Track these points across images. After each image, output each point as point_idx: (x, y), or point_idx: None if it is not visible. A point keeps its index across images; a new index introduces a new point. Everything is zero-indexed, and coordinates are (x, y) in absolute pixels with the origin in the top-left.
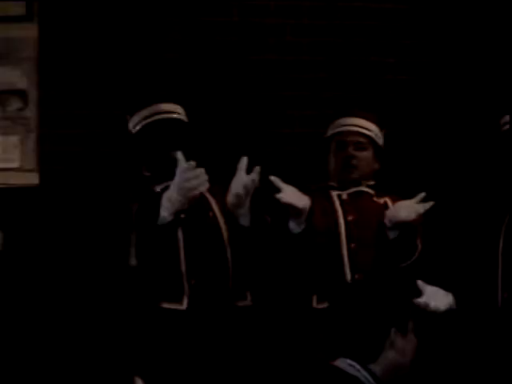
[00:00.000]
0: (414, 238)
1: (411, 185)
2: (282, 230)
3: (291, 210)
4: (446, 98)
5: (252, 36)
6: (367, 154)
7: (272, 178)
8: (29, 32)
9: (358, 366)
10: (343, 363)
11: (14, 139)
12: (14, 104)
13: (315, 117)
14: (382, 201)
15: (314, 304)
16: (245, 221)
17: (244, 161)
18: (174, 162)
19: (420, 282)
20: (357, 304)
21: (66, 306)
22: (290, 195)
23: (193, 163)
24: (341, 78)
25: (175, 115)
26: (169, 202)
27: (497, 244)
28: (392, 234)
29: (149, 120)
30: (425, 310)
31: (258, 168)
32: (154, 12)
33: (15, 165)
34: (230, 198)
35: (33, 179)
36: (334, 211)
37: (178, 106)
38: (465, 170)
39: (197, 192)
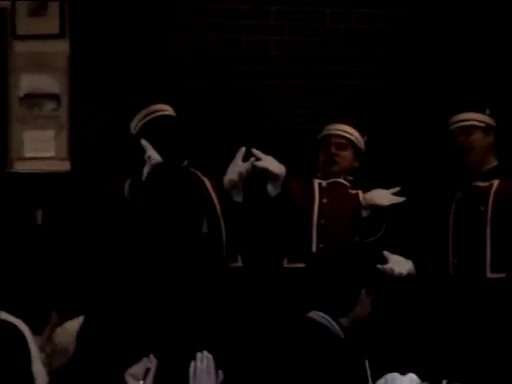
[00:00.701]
0: (381, 220)
1: (384, 179)
2: (260, 193)
3: (269, 174)
4: (411, 108)
5: (241, 50)
6: (347, 153)
7: (253, 150)
8: (62, 47)
9: (329, 318)
10: (316, 315)
11: (49, 134)
12: (49, 105)
13: (295, 116)
14: (354, 192)
15: (285, 264)
16: (238, 198)
17: (242, 150)
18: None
19: (386, 252)
20: (320, 268)
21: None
22: (268, 163)
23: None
24: (316, 85)
25: (166, 112)
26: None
27: (447, 221)
28: (364, 213)
29: (145, 119)
30: (391, 274)
31: (252, 159)
32: (162, 27)
33: (51, 154)
34: (226, 181)
35: (65, 166)
36: (312, 194)
37: (168, 105)
38: (423, 164)
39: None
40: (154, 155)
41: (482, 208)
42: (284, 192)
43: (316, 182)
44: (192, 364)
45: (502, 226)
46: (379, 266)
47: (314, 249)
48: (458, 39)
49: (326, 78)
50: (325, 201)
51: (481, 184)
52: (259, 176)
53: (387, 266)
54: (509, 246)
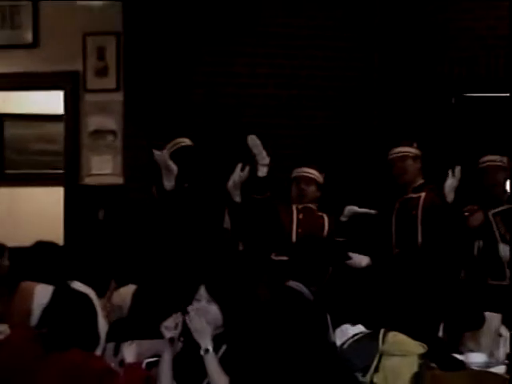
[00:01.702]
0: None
1: (343, 199)
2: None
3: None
4: (359, 142)
5: (240, 99)
6: (312, 188)
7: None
8: (118, 97)
9: (303, 286)
10: (293, 284)
11: (108, 158)
12: (109, 138)
13: (278, 145)
14: (320, 214)
15: (273, 257)
16: (237, 199)
17: (239, 165)
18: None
19: (350, 253)
20: (297, 259)
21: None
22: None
23: None
24: (293, 124)
25: (186, 143)
26: None
27: (391, 222)
28: (343, 218)
29: (174, 147)
30: (355, 266)
31: (247, 168)
32: (187, 85)
33: (109, 172)
34: (229, 186)
35: (119, 180)
36: (292, 212)
37: (186, 138)
38: (371, 183)
39: None
40: (173, 167)
41: (414, 212)
42: (270, 197)
43: (293, 206)
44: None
45: (428, 225)
46: (347, 261)
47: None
48: (394, 94)
49: (300, 119)
50: (300, 217)
51: (413, 196)
52: (251, 184)
53: (352, 261)
54: (434, 238)
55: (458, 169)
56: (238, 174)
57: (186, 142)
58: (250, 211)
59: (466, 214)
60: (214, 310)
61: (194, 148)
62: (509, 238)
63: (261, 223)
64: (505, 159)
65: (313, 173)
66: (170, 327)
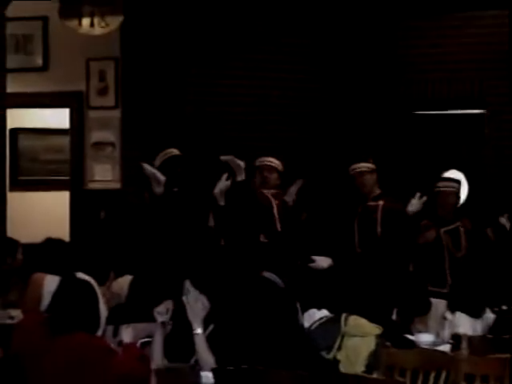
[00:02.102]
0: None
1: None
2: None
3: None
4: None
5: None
6: (274, 175)
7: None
8: (117, 114)
9: (275, 276)
10: (267, 274)
11: (108, 167)
12: (109, 149)
13: (257, 151)
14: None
15: (262, 239)
16: (222, 203)
17: (225, 175)
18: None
19: (313, 256)
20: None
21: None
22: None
23: None
24: (270, 136)
25: (174, 152)
26: None
27: (354, 226)
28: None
29: (164, 157)
30: (317, 268)
31: (229, 180)
32: (179, 101)
33: (108, 178)
34: (215, 192)
35: (118, 186)
36: (268, 197)
37: (175, 149)
38: (337, 193)
39: None
40: (160, 177)
41: (375, 216)
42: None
43: (265, 192)
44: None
45: (386, 228)
46: (311, 264)
47: (278, 227)
48: (353, 112)
49: (274, 132)
50: (276, 202)
51: (372, 203)
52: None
53: (316, 264)
54: (392, 238)
55: (423, 198)
56: (224, 183)
57: (175, 152)
58: (232, 196)
59: (422, 229)
60: (202, 298)
61: (182, 157)
62: (454, 252)
63: (244, 207)
64: (458, 185)
65: (274, 161)
66: (161, 312)
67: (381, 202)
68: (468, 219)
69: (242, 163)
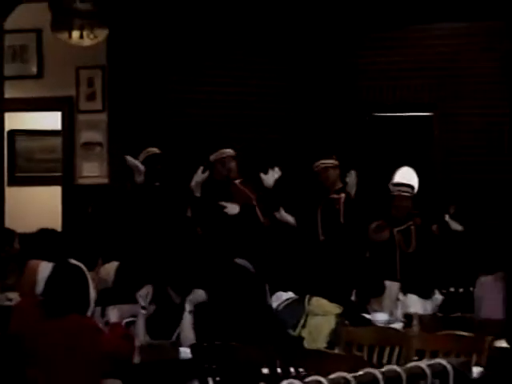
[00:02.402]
0: None
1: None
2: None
3: None
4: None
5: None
6: (234, 165)
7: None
8: (104, 117)
9: (247, 262)
10: (239, 260)
11: (96, 164)
12: (97, 149)
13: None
14: (243, 187)
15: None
16: (198, 194)
17: (200, 168)
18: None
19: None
20: None
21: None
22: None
23: None
24: (241, 137)
25: (155, 151)
26: None
27: (317, 216)
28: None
29: (146, 155)
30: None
31: (207, 172)
32: (162, 106)
33: (96, 174)
34: (191, 184)
35: (105, 181)
36: (238, 187)
37: (155, 148)
38: (304, 186)
39: None
40: (140, 167)
41: (338, 207)
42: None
43: (237, 182)
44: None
45: (348, 218)
46: (276, 213)
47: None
48: (319, 115)
49: (249, 133)
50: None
51: (335, 196)
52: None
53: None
54: (352, 227)
55: (353, 173)
56: (200, 176)
57: (155, 150)
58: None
59: (375, 228)
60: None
61: (162, 155)
62: (405, 249)
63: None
64: (412, 189)
65: (232, 153)
66: (142, 296)
67: (343, 195)
68: (419, 217)
69: (141, 167)
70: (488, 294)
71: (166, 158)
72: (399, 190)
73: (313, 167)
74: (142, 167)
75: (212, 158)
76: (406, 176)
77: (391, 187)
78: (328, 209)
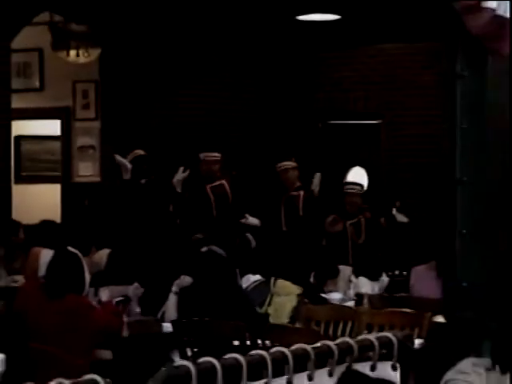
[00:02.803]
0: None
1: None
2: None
3: None
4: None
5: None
6: (217, 166)
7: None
8: (97, 124)
9: (220, 249)
10: (214, 248)
11: (90, 164)
12: (91, 151)
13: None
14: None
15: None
16: (178, 190)
17: (181, 168)
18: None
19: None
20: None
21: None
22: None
23: None
24: (219, 136)
25: (141, 153)
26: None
27: (280, 211)
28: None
29: (133, 156)
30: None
31: (187, 171)
32: (148, 117)
33: (90, 174)
34: (173, 181)
35: (98, 179)
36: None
37: (141, 150)
38: (269, 184)
39: None
40: (128, 165)
41: (297, 203)
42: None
43: (207, 186)
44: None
45: (307, 211)
46: (242, 220)
47: (214, 213)
48: (280, 122)
49: (223, 139)
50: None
51: (294, 193)
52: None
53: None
54: (310, 219)
55: (318, 175)
56: (181, 175)
57: (141, 152)
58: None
59: (331, 221)
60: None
61: (147, 157)
62: (356, 240)
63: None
64: (361, 187)
65: (216, 155)
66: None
67: (301, 192)
68: (369, 211)
69: (128, 164)
70: (420, 282)
71: (150, 158)
72: (351, 188)
73: (275, 168)
74: (129, 165)
75: (202, 156)
76: (357, 176)
77: (344, 186)
78: (289, 204)
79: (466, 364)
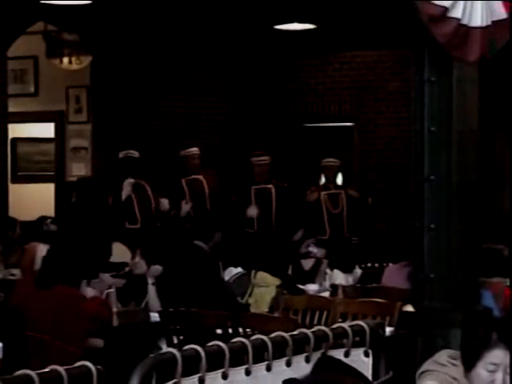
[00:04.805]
0: None
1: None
2: None
3: None
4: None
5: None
6: (198, 161)
7: None
8: (89, 126)
9: (203, 243)
10: (198, 242)
11: (82, 165)
12: (83, 152)
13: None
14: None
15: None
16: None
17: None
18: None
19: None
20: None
21: None
22: None
23: None
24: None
25: (133, 154)
26: None
27: (251, 201)
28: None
29: (124, 155)
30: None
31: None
32: (135, 120)
33: (82, 173)
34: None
35: (88, 174)
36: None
37: (134, 150)
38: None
39: None
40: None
41: (269, 195)
42: None
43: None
44: None
45: (280, 202)
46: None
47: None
48: (258, 124)
49: (204, 139)
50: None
51: (264, 186)
52: None
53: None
54: (283, 213)
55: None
56: (185, 206)
57: (134, 152)
58: None
59: (308, 191)
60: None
61: (137, 158)
62: (332, 209)
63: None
64: (338, 161)
65: (197, 151)
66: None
67: (271, 185)
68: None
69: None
70: (394, 281)
71: (139, 159)
72: (328, 161)
73: (251, 162)
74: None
75: (182, 153)
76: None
77: (321, 162)
78: (261, 196)
79: (442, 355)
